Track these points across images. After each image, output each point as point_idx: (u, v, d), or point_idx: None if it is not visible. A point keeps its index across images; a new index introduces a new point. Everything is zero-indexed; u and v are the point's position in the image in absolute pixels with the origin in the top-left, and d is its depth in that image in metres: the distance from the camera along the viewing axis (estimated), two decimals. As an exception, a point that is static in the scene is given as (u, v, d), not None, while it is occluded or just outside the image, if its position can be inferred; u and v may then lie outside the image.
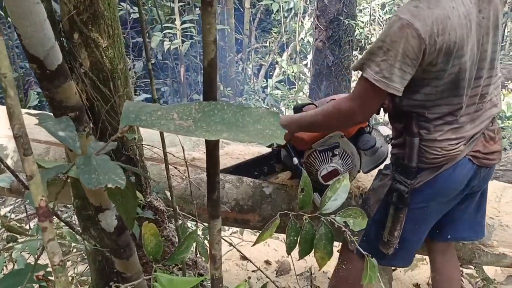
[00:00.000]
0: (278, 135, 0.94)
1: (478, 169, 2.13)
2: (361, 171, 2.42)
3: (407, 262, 2.37)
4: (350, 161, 2.33)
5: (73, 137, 0.94)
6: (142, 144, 2.06)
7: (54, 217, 1.71)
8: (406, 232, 2.17)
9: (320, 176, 2.29)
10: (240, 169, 2.61)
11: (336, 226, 1.56)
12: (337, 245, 3.91)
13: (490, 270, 3.49)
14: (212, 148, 1.04)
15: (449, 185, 2.12)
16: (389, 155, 2.33)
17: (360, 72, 1.93)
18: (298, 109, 2.39)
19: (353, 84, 12.14)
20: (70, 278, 3.10)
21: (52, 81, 1.03)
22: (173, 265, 2.15)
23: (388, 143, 2.36)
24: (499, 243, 2.59)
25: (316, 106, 2.35)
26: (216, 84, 1.00)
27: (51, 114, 1.08)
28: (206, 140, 1.06)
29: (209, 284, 1.31)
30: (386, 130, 2.44)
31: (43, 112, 1.66)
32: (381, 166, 2.40)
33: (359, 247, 1.59)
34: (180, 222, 2.16)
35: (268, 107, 9.95)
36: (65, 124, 0.95)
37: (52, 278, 0.82)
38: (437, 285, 2.53)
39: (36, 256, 1.43)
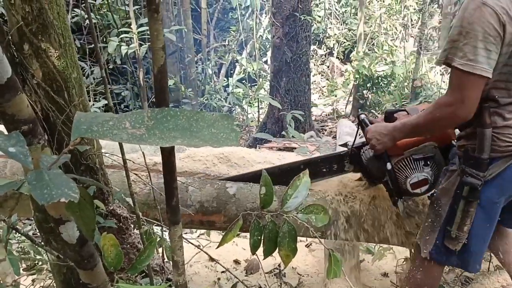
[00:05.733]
0: (233, 137, 0.95)
1: None
2: None
3: (478, 266, 2.20)
4: (438, 172, 2.31)
5: (24, 152, 0.92)
6: (102, 152, 2.04)
7: (14, 231, 1.68)
8: (477, 231, 2.10)
9: (410, 183, 2.28)
10: (310, 164, 2.58)
11: (299, 222, 1.58)
12: (304, 240, 3.96)
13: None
14: (167, 155, 1.04)
15: None
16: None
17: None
18: (390, 114, 2.38)
19: (313, 79, 12.27)
20: (36, 292, 3.04)
21: (2, 95, 1.01)
22: (137, 273, 2.14)
23: None
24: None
25: (408, 112, 2.34)
26: (167, 90, 1.00)
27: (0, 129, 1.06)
28: (161, 147, 1.05)
29: (175, 290, 1.30)
30: None
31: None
32: None
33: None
34: (146, 228, 2.15)
35: (230, 105, 9.96)
36: (15, 140, 0.93)
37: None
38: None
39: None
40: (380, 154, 2.31)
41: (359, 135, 2.47)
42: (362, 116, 2.44)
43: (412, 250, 2.49)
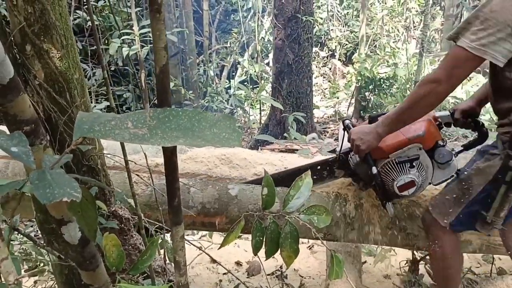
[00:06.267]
0: (235, 137, 0.95)
1: None
2: (432, 183, 2.40)
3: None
4: (425, 173, 2.32)
5: (27, 152, 0.92)
6: (103, 153, 2.03)
7: (16, 232, 1.68)
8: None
9: (397, 186, 2.28)
10: (299, 173, 2.58)
11: (301, 223, 1.58)
12: (306, 242, 3.96)
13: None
14: (169, 155, 1.04)
15: None
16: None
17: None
18: (373, 118, 2.38)
19: (315, 81, 12.27)
20: (38, 293, 3.04)
21: (4, 95, 1.01)
22: (139, 274, 2.14)
23: (455, 156, 2.35)
24: (463, 229, 2.64)
25: None
26: (169, 90, 1.00)
27: (2, 129, 1.06)
28: (163, 147, 1.05)
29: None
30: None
31: (-4, 127, 1.63)
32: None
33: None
34: (149, 229, 2.15)
35: (232, 107, 9.97)
36: (17, 140, 0.93)
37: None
38: None
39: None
40: (365, 156, 2.30)
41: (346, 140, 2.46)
42: (347, 121, 2.45)
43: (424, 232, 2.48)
